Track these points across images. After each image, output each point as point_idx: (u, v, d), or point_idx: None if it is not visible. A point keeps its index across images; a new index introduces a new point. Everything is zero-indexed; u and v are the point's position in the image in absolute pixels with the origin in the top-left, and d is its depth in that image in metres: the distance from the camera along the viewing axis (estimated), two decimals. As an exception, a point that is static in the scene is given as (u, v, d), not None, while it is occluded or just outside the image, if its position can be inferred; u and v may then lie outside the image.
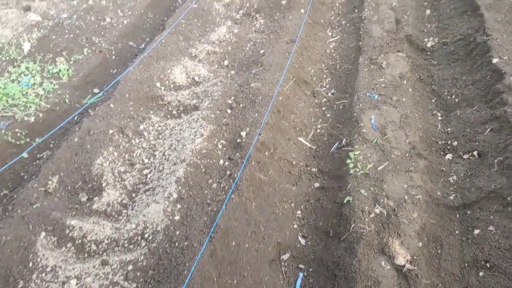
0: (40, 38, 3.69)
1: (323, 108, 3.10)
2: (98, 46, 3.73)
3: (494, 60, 2.92)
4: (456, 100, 2.95)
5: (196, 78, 3.24)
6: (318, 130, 2.91)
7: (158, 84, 3.12)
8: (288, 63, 3.27)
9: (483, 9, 3.53)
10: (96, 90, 3.35)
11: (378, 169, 2.39)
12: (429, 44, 3.62)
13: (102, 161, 2.48)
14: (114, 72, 3.57)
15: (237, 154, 2.51)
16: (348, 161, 2.46)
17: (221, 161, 2.49)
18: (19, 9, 4.00)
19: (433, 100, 3.07)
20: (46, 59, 3.52)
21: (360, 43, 3.60)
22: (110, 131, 2.66)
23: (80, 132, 2.60)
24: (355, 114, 2.81)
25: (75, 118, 2.97)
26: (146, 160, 2.57)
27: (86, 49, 3.66)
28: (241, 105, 2.91)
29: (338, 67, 3.56)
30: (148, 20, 4.23)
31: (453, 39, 3.51)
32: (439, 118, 2.90)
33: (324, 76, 3.43)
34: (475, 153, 2.50)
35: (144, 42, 3.97)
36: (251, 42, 3.68)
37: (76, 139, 2.55)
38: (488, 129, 2.56)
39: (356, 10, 4.19)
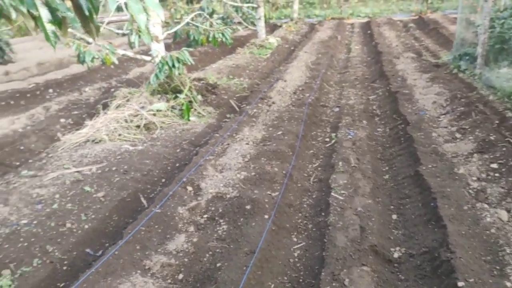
0: (-9, 249, 3.56)
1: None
2: (51, 256, 3.56)
3: (460, 284, 2.72)
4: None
5: (143, 299, 2.98)
6: None
7: (99, 307, 2.86)
8: (244, 279, 3.06)
9: (446, 220, 3.48)
10: (34, 310, 3.06)
11: None
12: (396, 255, 3.47)
13: None
14: (61, 286, 3.32)
15: None
16: None
17: None
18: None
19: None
20: (-9, 273, 3.32)
21: (324, 254, 3.45)
22: None
23: None
24: None
25: None
26: None
27: (36, 260, 3.49)
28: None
29: (301, 280, 3.34)
30: (112, 223, 4.17)
31: (419, 251, 3.37)
32: None
33: (285, 292, 3.19)
34: None
35: (103, 248, 3.82)
36: (210, 253, 3.53)
37: None
38: None
39: (323, 214, 4.16)
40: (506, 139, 5.14)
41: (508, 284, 2.86)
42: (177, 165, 5.50)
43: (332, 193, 4.32)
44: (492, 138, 4.99)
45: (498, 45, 8.18)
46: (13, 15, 1.56)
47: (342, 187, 4.43)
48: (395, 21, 17.69)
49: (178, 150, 5.90)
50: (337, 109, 7.26)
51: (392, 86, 7.87)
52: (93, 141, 5.98)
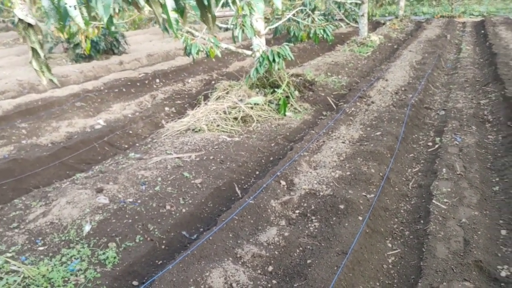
0: (101, 221, 3.89)
1: None
2: (151, 234, 3.80)
3: None
4: None
5: (234, 285, 3.05)
6: None
7: (192, 288, 2.98)
8: (335, 279, 2.99)
9: None
10: (135, 283, 3.29)
11: None
12: (503, 274, 3.15)
13: None
14: (159, 263, 3.53)
15: None
16: None
17: None
18: (93, 190, 4.35)
19: None
20: (100, 243, 3.63)
21: (422, 263, 3.24)
22: None
23: None
24: None
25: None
26: None
27: (139, 236, 3.74)
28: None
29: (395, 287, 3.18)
30: (207, 209, 4.33)
31: (533, 273, 3.03)
32: None
33: (377, 298, 3.06)
34: None
35: (197, 232, 3.99)
36: (301, 248, 3.50)
37: None
38: None
39: (422, 221, 3.91)
40: None
41: None
42: (271, 158, 5.55)
43: (434, 201, 4.06)
44: None
45: None
46: (142, 2, 1.68)
47: (445, 195, 4.14)
48: (514, 20, 16.08)
49: (272, 144, 5.95)
50: (442, 112, 6.79)
51: (507, 91, 7.15)
52: (193, 130, 6.27)
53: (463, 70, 9.42)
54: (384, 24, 16.77)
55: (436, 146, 5.47)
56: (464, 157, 4.93)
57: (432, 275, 3.06)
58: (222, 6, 9.26)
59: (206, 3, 1.79)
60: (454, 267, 3.11)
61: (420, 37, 13.44)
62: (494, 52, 10.29)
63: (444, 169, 4.63)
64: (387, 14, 20.60)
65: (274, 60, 6.88)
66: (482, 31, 14.25)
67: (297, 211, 4.07)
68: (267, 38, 12.78)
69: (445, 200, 4.05)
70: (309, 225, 3.84)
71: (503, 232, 3.68)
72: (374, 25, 17.05)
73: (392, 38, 13.99)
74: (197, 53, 6.84)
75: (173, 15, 1.77)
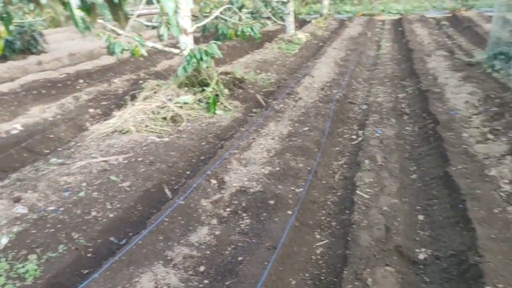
0: (19, 232, 3.65)
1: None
2: (76, 243, 3.63)
3: (488, 289, 2.63)
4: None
5: (165, 288, 3.00)
6: None
7: (121, 296, 2.89)
8: (265, 274, 3.04)
9: (475, 222, 3.37)
10: (58, 295, 3.13)
11: None
12: (421, 256, 3.38)
13: None
14: (85, 272, 3.38)
15: None
16: None
17: None
18: (9, 200, 4.07)
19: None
20: (19, 255, 3.41)
21: (347, 252, 3.39)
22: None
23: None
24: None
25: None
26: None
27: (62, 246, 3.56)
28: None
29: (323, 278, 3.30)
30: (136, 213, 4.21)
31: (446, 254, 3.28)
32: None
33: (306, 289, 3.16)
34: None
35: (126, 237, 3.87)
36: (232, 246, 3.52)
37: None
38: None
39: (347, 212, 4.09)
40: (542, 142, 4.94)
41: (540, 292, 2.75)
42: (202, 158, 5.52)
43: (357, 191, 4.25)
44: (527, 140, 4.80)
45: (536, 44, 7.87)
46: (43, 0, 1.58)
47: (367, 186, 4.35)
48: (428, 19, 17.25)
49: (203, 143, 5.92)
50: (365, 107, 7.13)
51: (422, 85, 7.68)
52: (120, 131, 6.06)
53: (383, 66, 9.96)
54: (309, 22, 17.26)
55: (359, 139, 5.74)
56: (385, 149, 5.21)
57: (357, 262, 3.21)
58: (148, 3, 9.05)
59: (116, 0, 1.73)
60: (376, 254, 3.28)
61: (343, 35, 14.00)
62: (410, 48, 10.97)
63: (366, 161, 4.87)
64: (312, 13, 21.22)
65: (202, 59, 6.83)
66: (400, 29, 15.14)
67: (228, 209, 4.08)
68: (196, 36, 12.64)
69: (367, 190, 4.26)
70: (240, 222, 3.87)
71: (421, 217, 3.95)
72: (301, 23, 17.50)
73: (317, 36, 14.44)
74: (122, 52, 6.61)
75: (79, 14, 1.69)
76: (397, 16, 19.06)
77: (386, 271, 3.11)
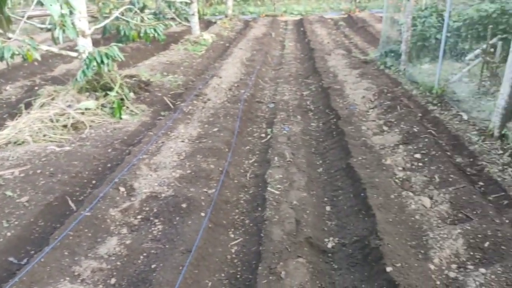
0: None
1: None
2: (-33, 269, 3.27)
3: (388, 269, 2.85)
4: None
5: (73, 307, 2.83)
6: None
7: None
8: (180, 279, 3.00)
9: (375, 209, 3.63)
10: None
11: None
12: (329, 245, 3.57)
13: None
14: (-20, 300, 3.07)
15: None
16: None
17: None
18: None
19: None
20: None
21: (261, 248, 3.46)
22: None
23: None
24: None
25: None
26: None
27: (-50, 274, 3.19)
28: None
29: (239, 276, 3.33)
30: (37, 229, 3.90)
31: (351, 240, 3.50)
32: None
33: (223, 289, 3.17)
34: None
35: (28, 256, 3.57)
36: (145, 254, 3.42)
37: None
38: None
39: (259, 209, 4.17)
40: (428, 130, 5.47)
41: (432, 266, 3.04)
42: (109, 165, 5.28)
43: (268, 188, 4.36)
44: (415, 130, 5.28)
45: (420, 42, 8.69)
46: None
47: (278, 182, 4.49)
48: (326, 19, 18.24)
49: (109, 150, 5.66)
50: (272, 105, 7.34)
51: (324, 82, 8.09)
52: (15, 143, 5.58)
53: (288, 65, 10.32)
54: (215, 23, 17.33)
55: (268, 137, 5.89)
56: (292, 145, 5.41)
57: (270, 257, 3.29)
58: (42, 4, 8.43)
59: (-6, 2, 1.57)
60: (288, 247, 3.40)
61: (249, 36, 14.27)
62: (312, 48, 11.51)
63: (276, 158, 5.01)
64: (217, 14, 21.32)
65: (103, 62, 6.54)
66: (302, 29, 15.81)
67: (139, 217, 3.95)
68: (97, 38, 12.07)
69: (278, 186, 4.39)
70: (153, 229, 3.77)
71: (328, 208, 4.17)
72: (206, 24, 17.50)
73: (223, 37, 14.55)
74: (12, 57, 6.07)
75: None
76: (299, 17, 19.88)
77: (298, 263, 3.23)
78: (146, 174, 4.66)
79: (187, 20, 14.53)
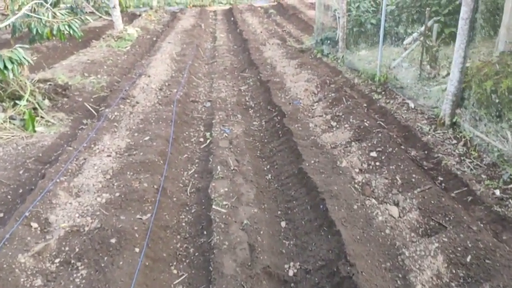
0: None
1: None
2: None
3: (368, 306, 2.39)
4: None
5: None
6: None
7: None
8: None
9: (338, 224, 3.16)
10: None
11: None
12: (290, 273, 3.06)
13: None
14: None
15: None
16: None
17: None
18: None
19: None
20: None
21: (210, 287, 2.89)
22: None
23: None
24: None
25: None
26: None
27: None
28: None
29: (187, 326, 2.74)
30: None
31: (315, 265, 3.01)
32: None
33: None
34: None
35: None
36: (65, 314, 2.72)
37: None
38: None
39: (205, 232, 3.58)
40: (378, 122, 5.14)
41: (413, 292, 2.63)
42: (20, 191, 4.41)
43: (214, 206, 3.77)
44: (366, 124, 4.92)
45: (356, 28, 8.42)
46: None
47: (223, 197, 3.91)
48: (256, 8, 17.74)
49: (21, 172, 4.77)
50: (208, 104, 6.71)
51: (262, 75, 7.58)
52: None
53: (221, 58, 9.69)
54: (140, 15, 16.21)
55: (208, 141, 5.28)
56: (235, 150, 4.85)
57: (224, 299, 2.73)
58: None
59: None
60: (244, 283, 2.85)
61: (177, 28, 13.42)
62: (245, 38, 10.94)
63: (218, 167, 4.43)
64: (141, 6, 20.04)
65: (6, 67, 5.55)
66: (232, 19, 15.18)
67: (56, 261, 3.20)
68: (7, 39, 10.72)
69: (224, 202, 3.82)
70: (75, 276, 3.05)
71: (283, 224, 3.66)
72: (130, 17, 16.33)
73: (150, 30, 13.57)
74: None
75: None
76: (228, 6, 19.20)
77: (257, 303, 2.69)
78: (65, 202, 3.88)
79: (108, 13, 13.37)
